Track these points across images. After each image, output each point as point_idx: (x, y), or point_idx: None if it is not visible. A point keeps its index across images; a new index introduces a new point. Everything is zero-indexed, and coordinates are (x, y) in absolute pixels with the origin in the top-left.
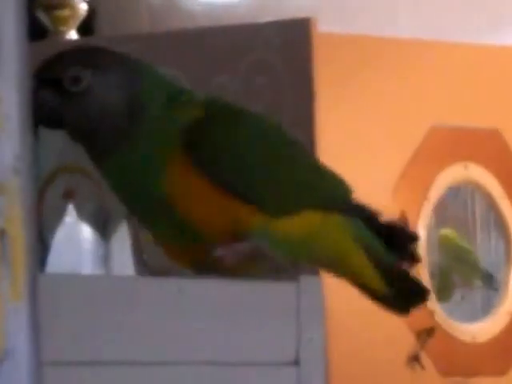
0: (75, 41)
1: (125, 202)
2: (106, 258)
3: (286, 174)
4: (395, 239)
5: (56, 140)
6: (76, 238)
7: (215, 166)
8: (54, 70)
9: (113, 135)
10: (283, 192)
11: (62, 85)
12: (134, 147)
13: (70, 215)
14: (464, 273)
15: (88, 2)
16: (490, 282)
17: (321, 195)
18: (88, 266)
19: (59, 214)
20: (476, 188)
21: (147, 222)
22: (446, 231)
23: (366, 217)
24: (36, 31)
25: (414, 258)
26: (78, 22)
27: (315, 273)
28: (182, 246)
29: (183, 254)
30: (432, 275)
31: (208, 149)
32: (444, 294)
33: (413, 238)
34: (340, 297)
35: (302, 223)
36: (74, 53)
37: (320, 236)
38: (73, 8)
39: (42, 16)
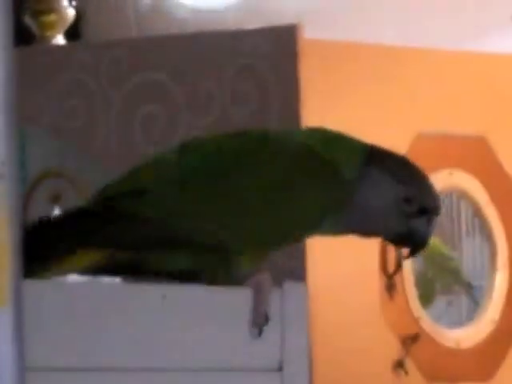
0: (62, 46)
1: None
2: None
3: None
4: None
5: (42, 144)
6: None
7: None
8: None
9: None
10: None
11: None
12: None
13: None
14: (446, 280)
15: (75, 7)
16: (471, 292)
17: None
18: None
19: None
20: (461, 194)
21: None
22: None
23: None
24: (23, 36)
25: None
26: (64, 27)
27: (299, 279)
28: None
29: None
30: (416, 282)
31: None
32: (426, 300)
33: None
34: (325, 302)
35: None
36: None
37: None
38: (60, 13)
39: (29, 21)
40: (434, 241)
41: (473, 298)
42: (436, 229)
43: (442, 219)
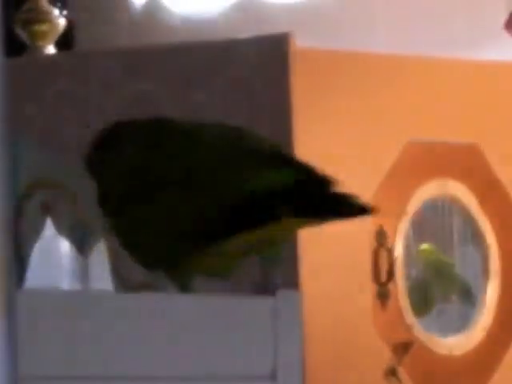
0: (54, 56)
1: None
2: (83, 273)
3: None
4: None
5: (32, 154)
6: (54, 252)
7: None
8: None
9: None
10: None
11: None
12: None
13: (49, 229)
14: (444, 287)
15: (66, 17)
16: (468, 297)
17: None
18: (66, 280)
19: (38, 228)
20: (453, 202)
21: None
22: (426, 246)
23: None
24: (14, 46)
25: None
26: (56, 36)
27: (293, 287)
28: None
29: None
30: (411, 289)
31: None
32: (424, 308)
33: None
34: (317, 311)
35: None
36: None
37: None
38: (51, 23)
39: (21, 31)
40: (431, 248)
41: (470, 303)
42: (428, 237)
43: (434, 228)
